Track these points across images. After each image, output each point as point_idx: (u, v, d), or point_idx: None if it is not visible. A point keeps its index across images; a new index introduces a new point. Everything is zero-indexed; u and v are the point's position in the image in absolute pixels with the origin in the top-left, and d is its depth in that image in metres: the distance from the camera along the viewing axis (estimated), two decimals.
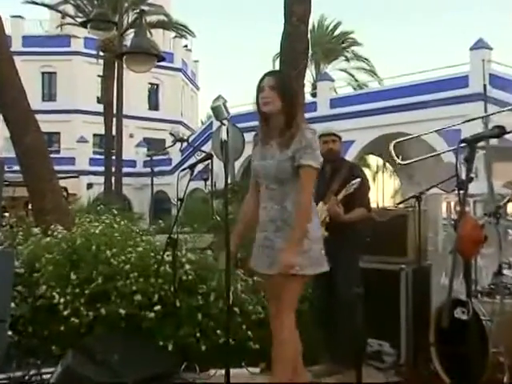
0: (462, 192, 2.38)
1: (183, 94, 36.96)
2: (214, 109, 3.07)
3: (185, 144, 20.15)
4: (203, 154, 3.75)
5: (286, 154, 3.11)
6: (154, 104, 35.41)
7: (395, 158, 2.43)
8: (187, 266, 4.53)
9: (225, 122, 3.09)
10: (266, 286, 3.34)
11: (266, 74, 3.16)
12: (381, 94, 20.61)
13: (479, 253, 3.29)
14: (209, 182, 19.89)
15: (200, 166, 3.52)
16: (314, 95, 24.97)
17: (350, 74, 31.05)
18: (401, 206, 4.83)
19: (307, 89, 28.00)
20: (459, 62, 18.83)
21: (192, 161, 5.41)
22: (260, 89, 3.13)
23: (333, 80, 23.78)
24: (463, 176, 2.41)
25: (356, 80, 30.23)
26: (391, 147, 2.41)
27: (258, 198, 3.25)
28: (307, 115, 8.40)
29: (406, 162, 2.75)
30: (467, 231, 2.10)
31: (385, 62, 75.06)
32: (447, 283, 2.28)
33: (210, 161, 7.06)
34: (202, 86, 41.78)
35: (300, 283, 3.09)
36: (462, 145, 2.41)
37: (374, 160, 31.18)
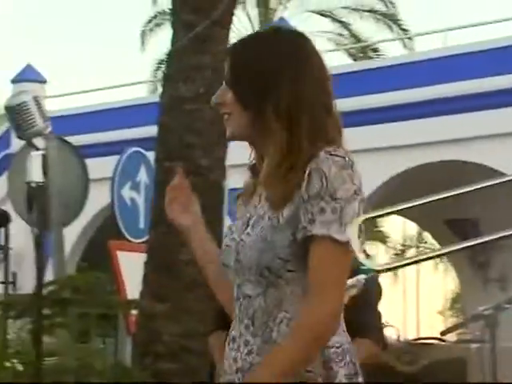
0: None
1: None
2: (11, 109, 2.72)
3: None
4: None
5: (277, 218, 2.83)
6: None
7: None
8: None
9: (37, 140, 2.73)
10: None
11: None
12: (406, 68, 19.59)
13: None
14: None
15: None
16: None
17: (341, 23, 30.65)
18: (452, 336, 5.04)
19: None
20: None
21: None
22: None
23: None
24: None
25: (358, 39, 29.72)
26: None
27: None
28: None
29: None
30: None
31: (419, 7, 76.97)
32: None
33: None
34: None
35: None
36: None
37: (395, 222, 30.05)
